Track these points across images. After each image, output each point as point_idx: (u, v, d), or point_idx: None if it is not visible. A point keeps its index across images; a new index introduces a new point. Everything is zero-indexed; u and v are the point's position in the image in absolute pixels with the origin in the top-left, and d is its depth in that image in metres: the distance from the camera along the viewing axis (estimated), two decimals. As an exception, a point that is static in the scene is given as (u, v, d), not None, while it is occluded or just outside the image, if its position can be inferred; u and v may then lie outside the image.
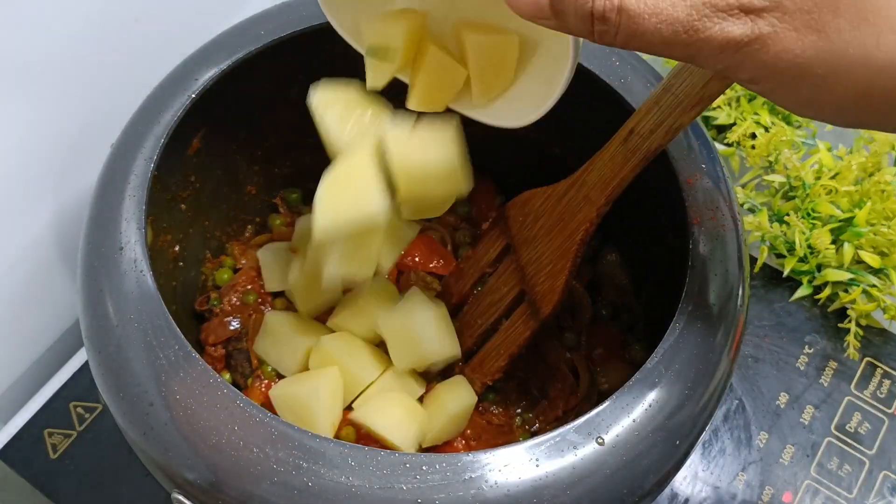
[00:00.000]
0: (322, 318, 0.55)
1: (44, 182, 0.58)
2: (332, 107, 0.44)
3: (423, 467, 0.35)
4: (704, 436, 0.59)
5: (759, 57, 0.29)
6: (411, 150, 0.44)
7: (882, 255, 0.65)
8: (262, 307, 0.57)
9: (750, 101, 0.71)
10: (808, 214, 0.67)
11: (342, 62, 0.55)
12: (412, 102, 0.45)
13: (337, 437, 0.49)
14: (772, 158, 0.68)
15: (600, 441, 0.37)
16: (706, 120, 0.71)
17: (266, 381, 0.53)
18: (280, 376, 0.54)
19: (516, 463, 0.36)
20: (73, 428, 0.60)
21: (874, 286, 0.64)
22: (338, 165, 0.43)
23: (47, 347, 0.65)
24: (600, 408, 0.38)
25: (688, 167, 0.46)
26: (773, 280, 0.69)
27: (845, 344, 0.65)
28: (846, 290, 0.66)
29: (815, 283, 0.67)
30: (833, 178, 0.67)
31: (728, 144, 0.71)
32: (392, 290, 0.55)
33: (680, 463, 0.40)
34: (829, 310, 0.67)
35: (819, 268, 0.67)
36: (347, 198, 0.43)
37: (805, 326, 0.67)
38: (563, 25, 0.31)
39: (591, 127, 0.52)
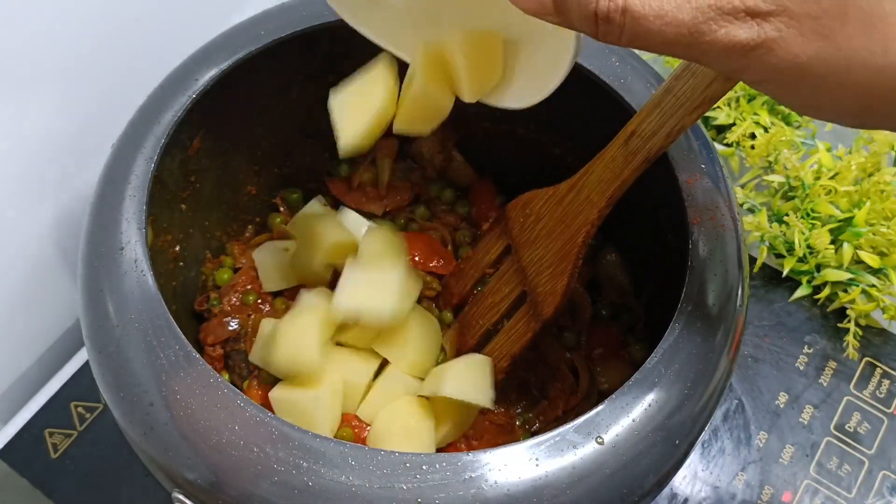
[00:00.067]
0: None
1: (44, 182, 0.58)
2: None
3: (423, 467, 0.35)
4: (704, 435, 0.59)
5: (764, 61, 0.29)
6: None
7: (881, 255, 0.65)
8: (262, 307, 0.57)
9: (749, 101, 0.72)
10: (808, 214, 0.67)
11: (342, 62, 0.55)
12: (396, 126, 0.46)
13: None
14: (771, 159, 0.69)
15: (600, 441, 0.37)
16: (706, 120, 0.72)
17: (265, 384, 0.54)
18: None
19: (516, 462, 0.36)
20: (74, 428, 0.60)
21: (873, 286, 0.65)
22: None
23: (48, 347, 0.65)
24: (600, 407, 0.38)
25: (687, 167, 0.46)
26: (773, 280, 0.69)
27: (845, 344, 0.65)
28: (845, 290, 0.66)
29: (815, 283, 0.67)
30: (832, 178, 0.67)
31: (728, 145, 0.71)
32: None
33: (679, 463, 0.40)
34: (829, 310, 0.67)
35: (818, 268, 0.67)
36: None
37: (804, 326, 0.67)
38: (565, 22, 0.31)
39: (591, 127, 0.52)
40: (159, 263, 0.50)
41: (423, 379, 0.53)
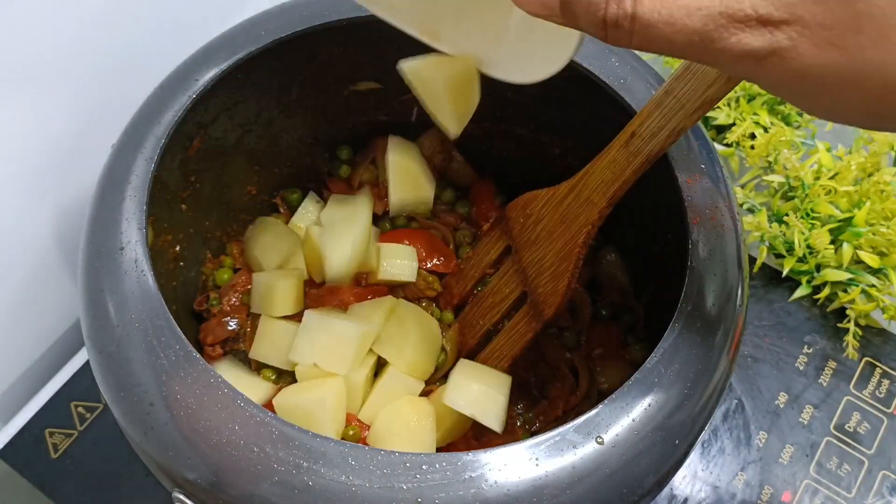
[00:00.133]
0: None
1: (45, 182, 0.58)
2: None
3: (423, 466, 0.35)
4: (704, 435, 0.59)
5: (776, 68, 0.28)
6: None
7: (881, 255, 0.65)
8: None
9: (749, 101, 0.72)
10: (808, 214, 0.67)
11: (342, 62, 0.55)
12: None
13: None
14: (771, 159, 0.69)
15: (600, 440, 0.37)
16: (706, 120, 0.72)
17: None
18: (279, 378, 0.54)
19: (516, 462, 0.36)
20: (74, 427, 0.60)
21: (873, 286, 0.65)
22: None
23: (48, 347, 0.65)
24: (600, 407, 0.38)
25: (687, 167, 0.46)
26: (773, 280, 0.69)
27: (844, 344, 0.65)
28: (845, 290, 0.66)
29: (815, 283, 0.67)
30: (832, 178, 0.67)
31: (727, 145, 0.71)
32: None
33: (679, 462, 0.40)
34: (829, 310, 0.67)
35: (818, 268, 0.67)
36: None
37: (804, 326, 0.67)
38: (572, 25, 0.31)
39: (591, 127, 0.52)
40: (159, 263, 0.50)
41: (423, 380, 0.53)
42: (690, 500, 0.59)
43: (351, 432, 0.50)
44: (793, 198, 0.68)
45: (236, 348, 0.55)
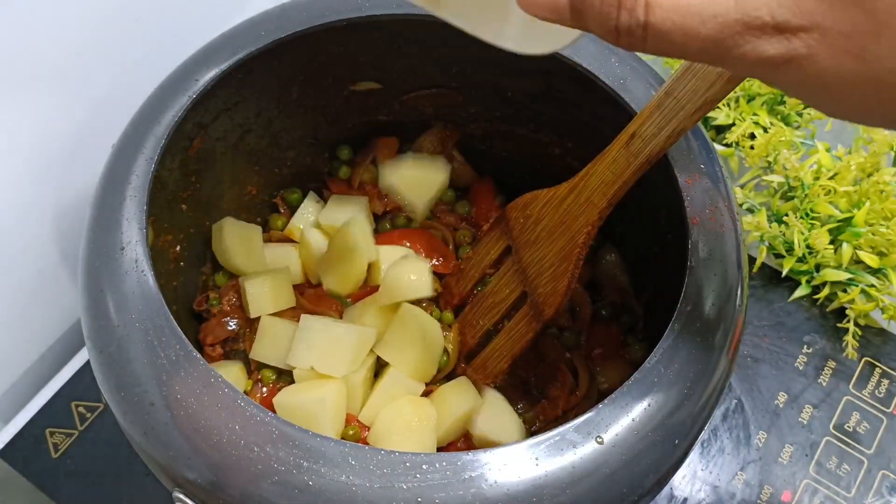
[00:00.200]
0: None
1: (45, 182, 0.58)
2: None
3: (423, 466, 0.35)
4: (703, 435, 0.60)
5: (793, 74, 0.28)
6: None
7: (881, 255, 0.65)
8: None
9: (749, 101, 0.72)
10: (807, 214, 0.67)
11: (342, 62, 0.55)
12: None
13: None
14: (771, 159, 0.69)
15: (600, 440, 0.37)
16: (705, 120, 0.72)
17: (263, 387, 0.54)
18: (279, 378, 0.54)
19: (516, 462, 0.36)
20: (75, 427, 0.60)
21: (873, 286, 0.65)
22: None
23: (49, 347, 0.65)
24: (600, 407, 0.38)
25: (687, 167, 0.46)
26: (772, 280, 0.69)
27: (844, 344, 0.65)
28: (845, 290, 0.66)
29: (814, 283, 0.67)
30: (832, 178, 0.67)
31: (727, 145, 0.71)
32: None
33: (679, 462, 0.40)
34: (828, 310, 0.67)
35: (818, 268, 0.67)
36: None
37: (804, 326, 0.67)
38: (583, 29, 0.31)
39: (591, 127, 0.52)
40: (160, 263, 0.50)
41: (424, 381, 0.53)
42: (690, 499, 0.59)
43: (351, 432, 0.50)
44: (792, 198, 0.68)
45: (236, 348, 0.55)
